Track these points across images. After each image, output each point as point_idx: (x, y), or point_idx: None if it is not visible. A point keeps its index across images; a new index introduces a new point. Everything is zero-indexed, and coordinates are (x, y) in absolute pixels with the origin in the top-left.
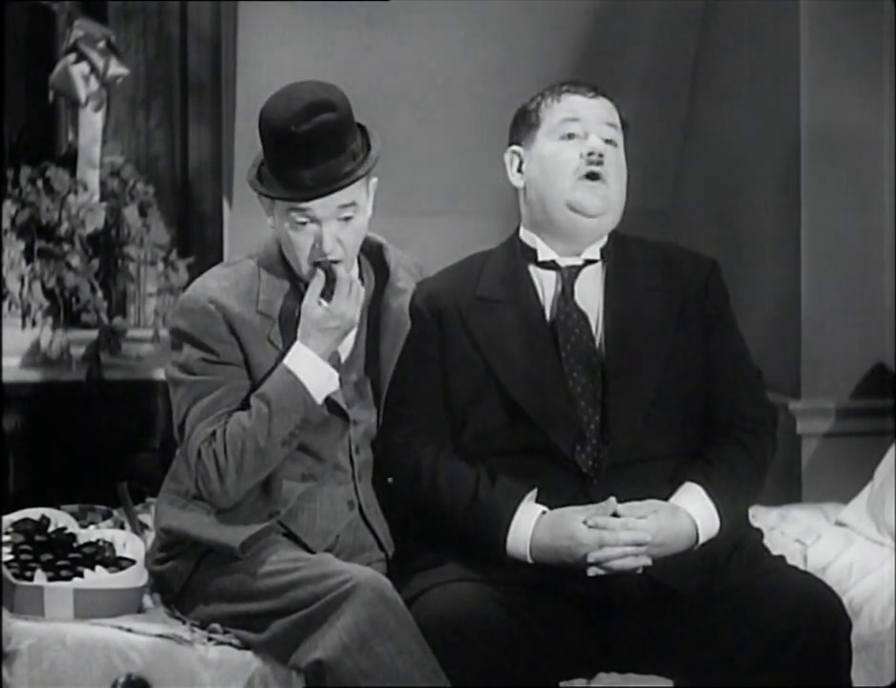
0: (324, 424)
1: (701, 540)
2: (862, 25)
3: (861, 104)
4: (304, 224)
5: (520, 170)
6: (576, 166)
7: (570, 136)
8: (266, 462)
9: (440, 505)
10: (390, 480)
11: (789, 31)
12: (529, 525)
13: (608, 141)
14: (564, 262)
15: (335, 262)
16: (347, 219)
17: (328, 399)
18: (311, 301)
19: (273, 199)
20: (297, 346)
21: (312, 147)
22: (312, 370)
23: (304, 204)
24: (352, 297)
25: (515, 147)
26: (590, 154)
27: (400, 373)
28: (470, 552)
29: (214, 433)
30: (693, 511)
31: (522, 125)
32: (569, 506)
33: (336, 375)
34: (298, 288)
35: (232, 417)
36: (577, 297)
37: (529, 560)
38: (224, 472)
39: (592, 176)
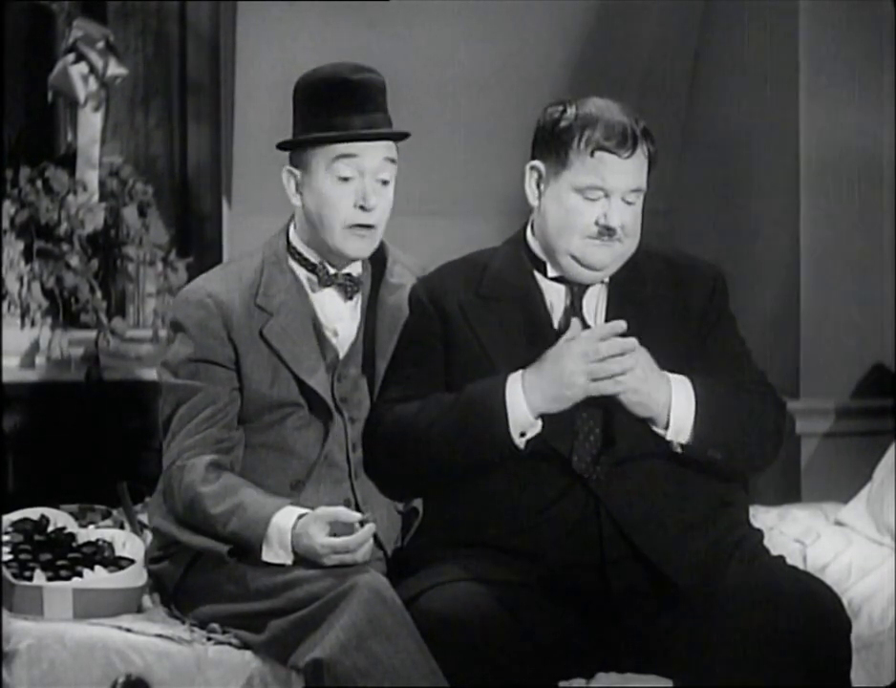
0: (309, 423)
1: (672, 420)
2: (862, 26)
3: (861, 105)
4: (346, 180)
5: (538, 185)
6: (590, 231)
7: (593, 199)
8: (209, 526)
9: (421, 428)
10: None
11: (789, 31)
12: (517, 384)
13: (629, 203)
14: (573, 279)
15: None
16: (384, 183)
17: (315, 397)
18: (322, 530)
19: (329, 142)
20: (284, 526)
21: (365, 94)
22: (279, 544)
23: (354, 150)
24: (362, 549)
25: (536, 163)
26: (607, 228)
27: (398, 360)
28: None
29: (184, 466)
30: (674, 383)
31: (548, 145)
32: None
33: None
34: (300, 284)
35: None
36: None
37: (532, 418)
38: (176, 504)
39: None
